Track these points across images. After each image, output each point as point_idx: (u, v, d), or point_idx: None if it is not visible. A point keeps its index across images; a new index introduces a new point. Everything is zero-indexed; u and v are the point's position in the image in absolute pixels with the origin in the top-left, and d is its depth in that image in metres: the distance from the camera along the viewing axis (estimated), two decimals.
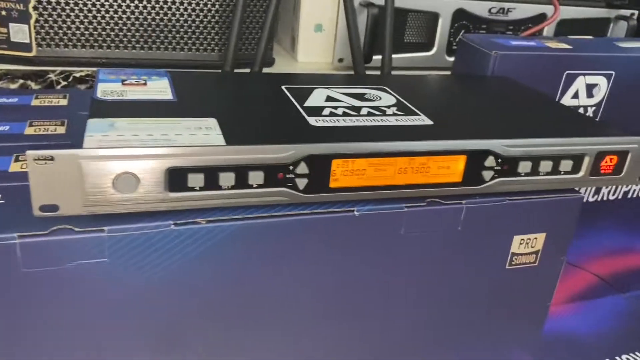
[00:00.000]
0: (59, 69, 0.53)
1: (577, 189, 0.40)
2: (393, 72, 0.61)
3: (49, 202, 0.28)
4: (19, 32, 0.51)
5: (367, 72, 0.61)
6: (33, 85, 0.52)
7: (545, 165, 0.37)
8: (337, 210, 0.34)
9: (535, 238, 0.40)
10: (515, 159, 0.36)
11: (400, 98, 0.42)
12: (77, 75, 0.53)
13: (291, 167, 0.32)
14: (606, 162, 0.39)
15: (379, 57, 0.60)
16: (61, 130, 0.41)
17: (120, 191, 0.29)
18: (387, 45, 0.53)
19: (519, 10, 0.66)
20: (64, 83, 0.53)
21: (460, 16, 0.65)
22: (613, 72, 0.58)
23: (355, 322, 0.38)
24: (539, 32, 0.64)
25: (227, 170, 0.30)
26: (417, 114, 0.39)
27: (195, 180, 0.30)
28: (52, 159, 0.28)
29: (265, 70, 0.61)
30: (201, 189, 0.30)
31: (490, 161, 0.36)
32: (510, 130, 0.37)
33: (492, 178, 0.36)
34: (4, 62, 0.52)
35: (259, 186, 0.31)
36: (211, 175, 0.30)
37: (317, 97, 0.40)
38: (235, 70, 0.53)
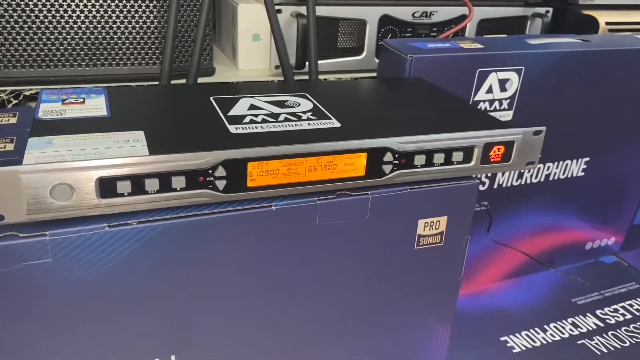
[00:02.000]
0: (9, 88, 0.57)
1: (472, 175, 0.46)
2: (325, 77, 0.66)
3: None
4: None
5: (299, 78, 0.65)
6: None
7: (439, 158, 0.42)
8: (256, 206, 0.39)
9: (439, 221, 0.46)
10: (411, 154, 0.41)
11: (317, 103, 0.47)
12: (27, 93, 0.57)
13: (210, 171, 0.36)
14: (494, 151, 0.44)
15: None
16: (10, 147, 0.45)
17: (57, 200, 0.34)
18: (313, 52, 0.57)
19: (441, 13, 0.72)
20: (15, 102, 0.57)
21: (386, 21, 0.70)
22: (523, 67, 0.64)
23: (278, 310, 0.43)
24: (461, 33, 0.70)
25: (152, 177, 0.35)
26: (329, 118, 0.44)
27: (123, 187, 0.35)
28: None
29: (207, 79, 0.65)
30: (129, 194, 0.35)
31: (388, 156, 0.41)
32: (406, 128, 0.43)
33: (392, 171, 0.41)
34: None
35: (182, 189, 0.36)
36: (137, 182, 0.35)
37: (241, 106, 0.45)
38: (173, 82, 0.57)
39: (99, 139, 0.37)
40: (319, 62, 0.64)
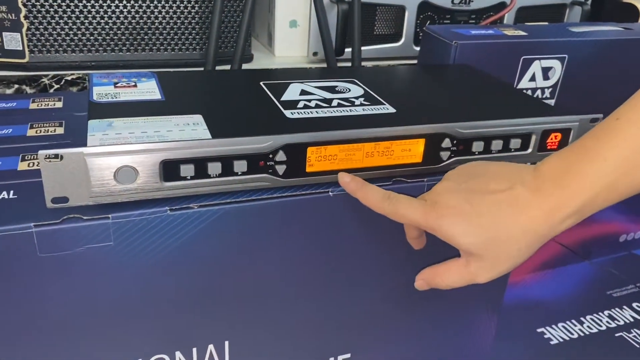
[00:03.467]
0: (52, 73, 0.56)
1: (528, 163, 0.45)
2: (364, 64, 0.66)
3: (60, 194, 0.33)
4: (12, 41, 0.54)
5: (340, 65, 0.65)
6: (28, 89, 0.56)
7: (497, 144, 0.42)
8: (314, 192, 0.39)
9: None
10: (469, 140, 0.41)
11: (367, 89, 0.46)
12: (69, 78, 0.57)
13: (270, 156, 0.36)
14: (552, 139, 0.44)
15: (351, 49, 0.64)
16: (60, 130, 0.45)
17: (121, 182, 0.33)
18: (356, 39, 0.57)
19: (480, 0, 0.71)
20: (56, 86, 0.57)
21: (425, 8, 0.69)
22: (566, 56, 0.63)
23: (331, 295, 0.43)
24: (500, 20, 0.69)
25: (214, 160, 0.35)
26: (382, 103, 0.43)
27: (187, 170, 0.34)
28: (61, 157, 0.32)
29: (245, 65, 0.65)
30: (192, 177, 0.35)
31: (446, 142, 0.40)
32: (464, 114, 0.42)
33: (449, 157, 0.41)
34: None
35: (243, 173, 0.36)
36: (200, 166, 0.35)
37: (292, 92, 0.44)
38: (217, 68, 0.57)
39: (159, 122, 0.37)
40: None
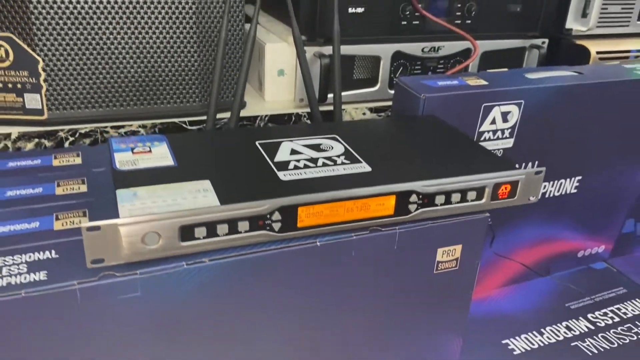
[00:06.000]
0: (67, 127, 0.63)
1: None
2: (344, 106, 0.74)
3: (97, 257, 0.40)
4: (33, 100, 0.61)
5: (323, 109, 0.73)
6: (46, 142, 0.63)
7: (456, 197, 0.50)
8: (304, 243, 0.46)
9: (455, 249, 0.53)
10: (432, 195, 0.49)
11: (347, 146, 0.54)
12: (82, 131, 0.64)
13: (268, 216, 0.44)
14: (502, 190, 0.52)
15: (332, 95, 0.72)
16: (83, 188, 0.52)
17: (147, 245, 0.41)
18: (337, 90, 0.64)
19: (447, 48, 0.79)
20: (71, 139, 0.64)
21: (398, 57, 0.77)
22: (523, 101, 0.71)
23: (319, 327, 0.50)
24: (465, 69, 0.77)
25: (222, 222, 0.42)
26: (360, 162, 0.51)
27: (200, 232, 0.42)
28: (99, 228, 0.39)
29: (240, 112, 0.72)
30: (204, 237, 0.42)
31: (413, 198, 0.48)
32: (428, 172, 0.50)
33: (416, 209, 0.49)
34: (20, 124, 0.62)
35: (245, 231, 0.43)
36: (211, 228, 0.42)
37: (283, 151, 0.52)
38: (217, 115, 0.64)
39: (175, 190, 0.44)
40: None
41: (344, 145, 0.54)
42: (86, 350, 0.42)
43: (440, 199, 0.49)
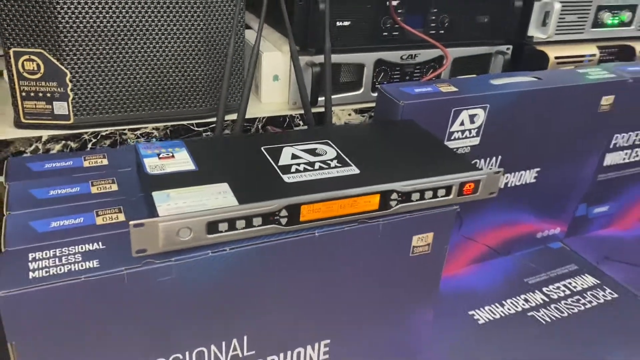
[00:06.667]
0: (90, 130, 0.72)
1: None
2: (333, 108, 0.83)
3: (141, 247, 0.49)
4: (60, 108, 0.69)
5: (314, 110, 0.82)
6: (72, 144, 0.71)
7: (428, 194, 0.60)
8: (306, 234, 0.56)
9: (427, 236, 0.64)
10: (409, 193, 0.59)
11: (339, 151, 0.63)
12: (104, 133, 0.72)
13: (277, 213, 0.53)
14: (467, 187, 0.62)
15: (322, 97, 0.81)
16: (114, 187, 0.61)
17: (180, 237, 0.50)
18: (328, 94, 0.73)
19: (423, 55, 0.88)
20: (94, 140, 0.72)
21: (380, 64, 0.86)
22: (488, 105, 0.82)
23: (320, 301, 0.61)
24: (438, 75, 0.87)
25: (240, 219, 0.52)
26: (350, 165, 0.61)
27: (223, 226, 0.51)
28: (143, 225, 0.48)
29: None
30: (226, 230, 0.52)
31: (394, 195, 0.58)
32: (406, 174, 0.60)
33: (396, 204, 0.59)
34: (49, 128, 0.70)
35: (259, 225, 0.53)
36: (231, 223, 0.51)
37: (286, 156, 0.61)
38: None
39: (200, 192, 0.53)
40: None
41: (335, 150, 0.63)
42: (132, 324, 0.51)
43: (415, 196, 0.59)
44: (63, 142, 0.70)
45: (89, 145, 0.72)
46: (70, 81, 0.68)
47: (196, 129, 0.78)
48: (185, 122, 0.76)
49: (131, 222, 0.48)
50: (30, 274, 0.47)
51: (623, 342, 0.86)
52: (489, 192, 0.64)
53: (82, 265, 0.49)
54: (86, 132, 0.71)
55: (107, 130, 0.72)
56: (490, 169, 0.64)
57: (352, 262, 0.60)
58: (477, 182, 0.62)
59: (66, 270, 0.48)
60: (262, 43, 0.87)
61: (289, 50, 0.78)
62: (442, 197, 0.61)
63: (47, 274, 0.47)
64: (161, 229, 0.49)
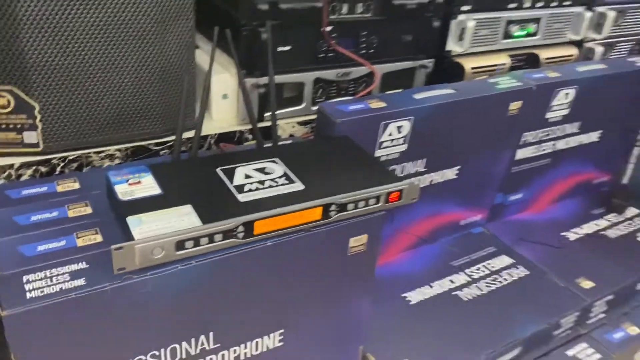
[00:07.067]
0: (59, 155, 0.79)
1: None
2: (277, 123, 0.93)
3: (121, 266, 0.58)
4: (30, 137, 0.75)
5: (260, 125, 0.91)
6: (42, 169, 0.78)
7: (361, 204, 0.71)
8: (260, 244, 0.66)
9: (362, 237, 0.75)
10: (345, 204, 0.70)
11: (285, 168, 0.73)
12: (71, 157, 0.79)
13: (234, 229, 0.63)
14: (393, 196, 0.74)
15: (269, 113, 0.91)
16: (89, 210, 0.68)
17: (154, 255, 0.59)
18: (273, 113, 0.81)
19: (355, 72, 0.99)
20: (62, 164, 0.79)
21: (318, 81, 0.96)
22: (412, 117, 0.94)
23: (274, 297, 0.71)
24: (370, 91, 0.98)
25: (204, 237, 0.61)
26: (295, 182, 0.71)
27: (189, 244, 0.60)
28: (122, 248, 0.57)
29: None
30: (192, 247, 0.61)
31: (333, 207, 0.69)
32: (342, 187, 0.70)
33: (335, 214, 0.70)
34: (20, 156, 0.77)
35: (219, 240, 0.62)
36: (196, 241, 0.61)
37: (239, 176, 0.71)
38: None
39: (168, 215, 0.62)
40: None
41: (282, 168, 0.74)
42: (115, 329, 0.60)
43: (351, 206, 0.70)
44: (34, 167, 0.77)
45: (58, 169, 0.79)
46: (39, 113, 0.75)
47: (154, 148, 0.86)
48: (144, 143, 0.84)
49: (113, 246, 0.56)
50: (28, 294, 0.55)
51: (532, 313, 1.01)
52: (411, 198, 0.76)
53: (71, 284, 0.57)
54: (55, 158, 0.78)
55: (73, 155, 0.79)
56: (415, 181, 0.75)
57: (299, 264, 0.71)
58: (401, 191, 0.74)
59: (58, 289, 0.56)
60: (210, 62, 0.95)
61: (236, 73, 0.87)
62: (372, 205, 0.72)
63: (42, 293, 0.56)
64: (137, 250, 0.58)
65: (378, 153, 0.93)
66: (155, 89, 0.83)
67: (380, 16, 0.98)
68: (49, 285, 0.57)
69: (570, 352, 1.02)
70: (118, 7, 0.75)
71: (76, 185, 0.73)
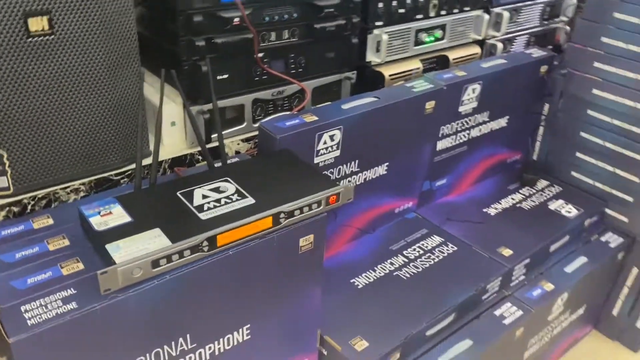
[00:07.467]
0: (28, 195, 0.86)
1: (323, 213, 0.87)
2: (224, 140, 1.03)
3: (107, 287, 0.67)
4: (1, 182, 0.83)
5: (208, 146, 1.01)
6: (15, 209, 0.85)
7: (306, 209, 0.83)
8: (223, 254, 0.77)
9: (309, 237, 0.87)
10: (292, 211, 0.81)
11: (237, 186, 0.84)
12: (40, 195, 0.87)
13: (200, 244, 0.73)
14: (332, 199, 0.86)
15: (215, 135, 1.01)
16: (66, 242, 0.76)
17: (134, 275, 0.69)
18: (219, 135, 0.91)
19: (289, 90, 1.11)
20: (32, 203, 0.87)
21: (257, 101, 1.07)
22: (342, 126, 1.06)
23: (238, 298, 0.82)
24: (304, 106, 1.10)
25: (175, 254, 0.71)
26: (247, 197, 0.82)
27: (163, 262, 0.70)
28: (107, 272, 0.66)
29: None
30: (165, 264, 0.71)
31: (282, 215, 0.80)
32: (288, 197, 0.82)
33: (284, 220, 0.81)
34: None
35: (188, 255, 0.73)
36: (169, 258, 0.71)
37: (198, 197, 0.81)
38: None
39: (141, 239, 0.72)
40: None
41: (234, 186, 0.84)
42: (108, 343, 0.70)
43: (297, 212, 0.82)
44: (7, 208, 0.84)
45: (29, 207, 0.86)
46: (7, 160, 0.82)
47: (115, 178, 0.94)
48: (105, 174, 0.93)
49: (98, 272, 0.66)
50: (28, 321, 0.64)
51: (462, 283, 1.17)
52: (347, 199, 0.88)
53: (65, 308, 0.66)
54: (25, 198, 0.85)
55: (42, 193, 0.87)
56: (349, 181, 0.88)
57: (259, 267, 0.82)
58: (338, 194, 0.86)
59: (54, 314, 0.65)
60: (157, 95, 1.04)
61: (181, 102, 0.96)
62: (315, 209, 0.84)
63: (41, 319, 0.64)
64: (119, 272, 0.67)
65: (316, 160, 1.05)
66: (111, 125, 0.91)
67: (305, 39, 1.10)
68: (46, 312, 0.65)
69: (497, 312, 1.18)
70: (70, 59, 0.83)
71: (50, 221, 0.81)
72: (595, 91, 1.41)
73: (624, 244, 1.43)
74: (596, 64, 1.40)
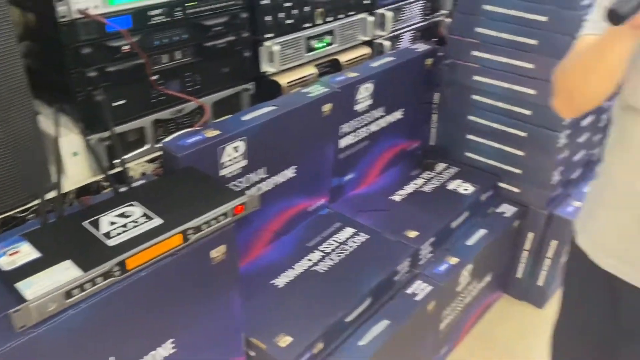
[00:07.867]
0: None
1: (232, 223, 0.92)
2: (127, 165, 1.05)
3: (22, 324, 0.68)
4: None
5: (112, 172, 1.03)
6: None
7: (213, 222, 0.87)
8: (136, 276, 0.79)
9: (221, 248, 0.91)
10: (200, 225, 0.85)
11: (144, 208, 0.87)
12: None
13: (111, 270, 0.76)
14: (238, 209, 0.90)
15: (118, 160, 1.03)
16: None
17: (48, 308, 0.70)
18: (122, 160, 0.94)
19: (188, 107, 1.14)
20: None
21: (157, 122, 1.10)
22: (245, 137, 1.11)
23: (158, 312, 0.85)
24: (206, 121, 1.13)
25: (88, 282, 0.73)
26: (154, 218, 0.85)
27: (76, 292, 0.72)
28: (20, 309, 0.68)
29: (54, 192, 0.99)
30: (78, 293, 0.73)
31: (190, 231, 0.84)
32: (195, 212, 0.86)
33: (193, 236, 0.85)
34: None
35: (101, 282, 0.75)
36: (81, 287, 0.73)
37: (104, 224, 0.83)
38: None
39: (51, 272, 0.73)
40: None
41: (141, 208, 0.87)
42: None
43: (205, 226, 0.86)
44: None
45: None
46: None
47: (20, 215, 0.94)
48: (10, 213, 0.92)
49: (11, 311, 0.67)
50: None
51: (374, 268, 1.25)
52: (254, 207, 0.93)
53: None
54: None
55: None
56: (259, 188, 0.93)
57: (173, 283, 0.86)
58: (244, 204, 0.91)
59: None
60: (56, 128, 1.04)
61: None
62: (223, 221, 0.89)
63: None
64: (32, 308, 0.69)
65: (222, 172, 1.09)
66: (8, 163, 0.91)
67: (198, 57, 1.14)
68: None
69: (409, 290, 1.28)
70: None
71: None
72: (476, 77, 1.54)
73: (518, 213, 1.57)
74: (474, 53, 1.53)
